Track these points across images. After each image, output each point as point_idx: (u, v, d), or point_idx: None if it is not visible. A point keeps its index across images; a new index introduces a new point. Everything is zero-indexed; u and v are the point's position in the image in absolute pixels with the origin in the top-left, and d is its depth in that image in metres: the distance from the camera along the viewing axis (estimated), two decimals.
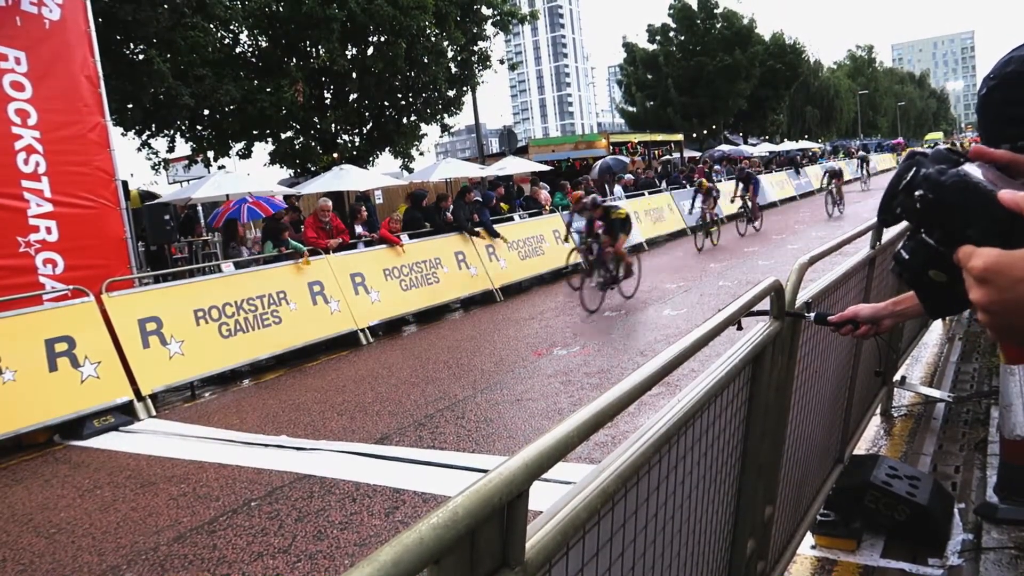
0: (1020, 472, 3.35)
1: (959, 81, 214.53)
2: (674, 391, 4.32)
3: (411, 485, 4.69)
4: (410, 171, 21.28)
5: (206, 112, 16.96)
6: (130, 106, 14.92)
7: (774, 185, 27.56)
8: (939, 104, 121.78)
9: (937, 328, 6.96)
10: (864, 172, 33.79)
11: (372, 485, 4.77)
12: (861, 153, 38.49)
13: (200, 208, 19.91)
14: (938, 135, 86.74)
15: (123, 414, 7.22)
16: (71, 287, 7.59)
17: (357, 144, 19.70)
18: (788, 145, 44.54)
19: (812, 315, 2.12)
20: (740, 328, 1.95)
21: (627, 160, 26.09)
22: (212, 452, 5.91)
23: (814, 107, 59.77)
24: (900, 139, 69.69)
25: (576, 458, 4.43)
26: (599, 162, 23.91)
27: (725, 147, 36.70)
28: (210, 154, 18.21)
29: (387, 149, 20.25)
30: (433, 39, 18.67)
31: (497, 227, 13.14)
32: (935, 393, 5.16)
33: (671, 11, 44.43)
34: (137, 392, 7.40)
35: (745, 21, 43.48)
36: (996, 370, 5.44)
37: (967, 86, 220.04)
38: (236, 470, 5.38)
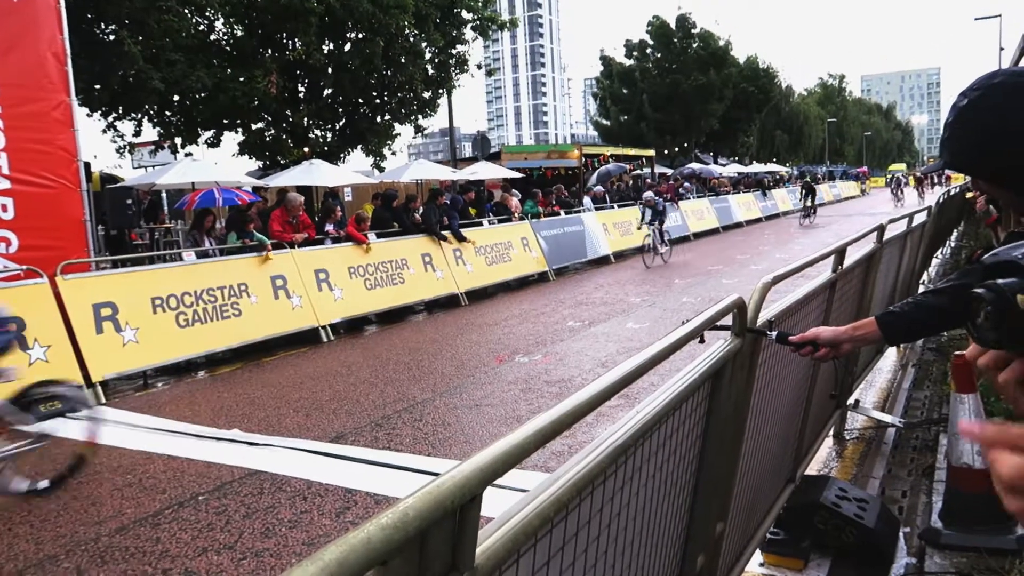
0: (965, 499, 3.42)
1: (924, 115, 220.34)
2: (632, 403, 4.33)
3: (364, 486, 4.64)
4: (381, 170, 21.15)
5: (176, 98, 16.67)
6: (97, 87, 14.61)
7: (741, 206, 27.97)
8: (904, 136, 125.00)
9: (891, 354, 7.10)
10: (809, 203, 27.95)
11: (324, 484, 4.70)
12: (806, 181, 32.93)
13: (164, 195, 19.58)
14: (901, 166, 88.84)
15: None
16: (24, 267, 7.39)
17: (329, 140, 19.53)
18: (757, 167, 45.25)
19: (774, 334, 2.14)
20: (702, 341, 1.96)
21: (626, 167, 26.59)
22: (161, 443, 5.77)
23: (784, 131, 60.83)
24: (865, 168, 71.29)
25: (532, 466, 4.42)
26: (600, 169, 24.20)
27: (695, 165, 37.14)
28: (177, 141, 17.90)
29: (359, 147, 20.11)
30: (412, 39, 18.61)
31: (465, 232, 13.12)
32: (887, 418, 5.26)
33: (649, 28, 44.94)
34: (87, 378, 7.22)
35: (721, 43, 44.15)
36: (946, 398, 5.57)
37: (931, 120, 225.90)
38: (185, 463, 5.26)
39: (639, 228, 16.74)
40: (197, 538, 4.03)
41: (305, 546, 3.89)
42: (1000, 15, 34.77)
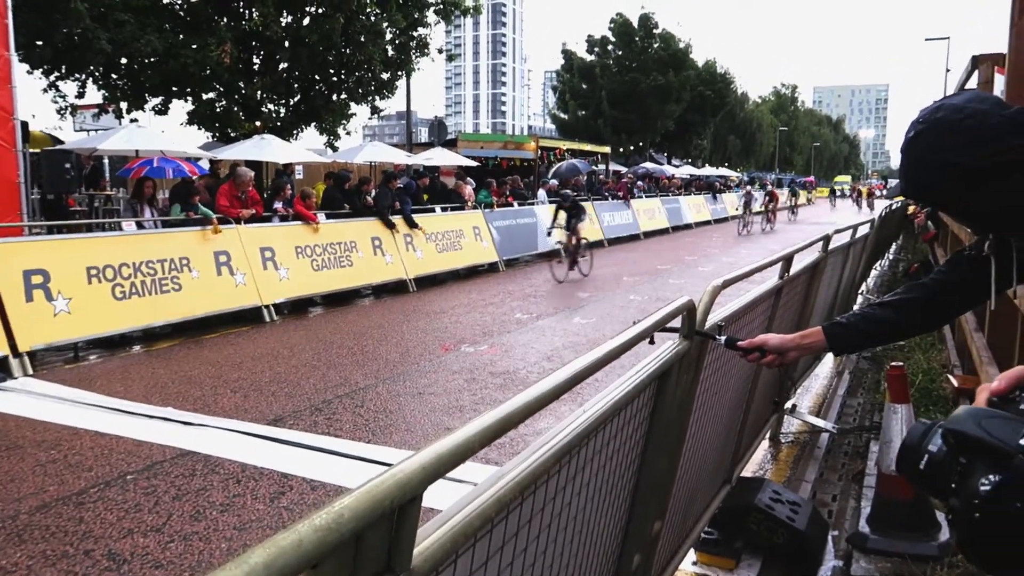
0: (892, 506, 3.52)
1: (871, 130, 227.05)
2: (576, 398, 4.34)
3: (301, 471, 4.55)
4: (335, 149, 20.78)
5: (123, 61, 16.03)
6: (39, 43, 13.97)
7: (691, 208, 28.38)
8: (851, 149, 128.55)
9: (828, 361, 7.28)
10: (747, 211, 26.36)
11: (259, 468, 4.60)
12: (748, 189, 31.28)
13: (107, 161, 18.89)
14: (847, 178, 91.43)
15: None
16: None
17: (282, 115, 19.08)
18: (709, 171, 45.96)
19: (723, 338, 2.16)
20: (653, 342, 1.96)
21: (591, 166, 26.90)
22: (90, 419, 5.57)
23: (737, 137, 61.92)
24: (812, 177, 73.14)
25: (472, 457, 4.39)
26: (564, 163, 24.23)
27: (649, 165, 37.52)
28: (123, 105, 17.23)
29: (313, 124, 19.69)
30: (373, 18, 18.29)
31: (418, 218, 12.99)
32: (821, 423, 5.39)
33: (612, 25, 45.17)
34: (14, 348, 6.92)
35: (681, 45, 44.64)
36: (879, 406, 5.74)
37: (878, 135, 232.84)
38: (114, 440, 5.09)
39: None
40: (123, 519, 3.90)
41: (236, 531, 3.79)
42: (948, 37, 35.95)
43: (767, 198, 27.89)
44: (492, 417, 1.08)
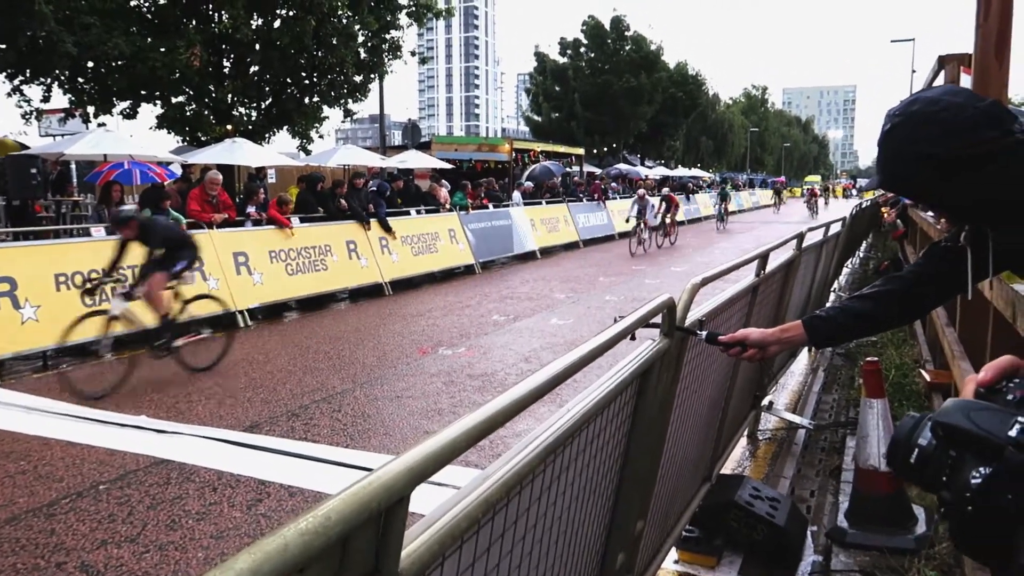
0: (870, 500, 3.56)
1: (839, 130, 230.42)
2: (554, 399, 4.34)
3: (278, 477, 4.49)
4: (307, 153, 20.60)
5: (90, 64, 15.75)
6: (3, 46, 13.69)
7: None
8: (820, 149, 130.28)
9: (803, 358, 7.35)
10: (722, 210, 28.52)
11: (236, 475, 4.53)
12: (721, 189, 32.04)
13: (74, 166, 18.57)
14: (816, 178, 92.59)
15: None
16: None
17: (254, 119, 18.87)
18: (682, 171, 46.33)
19: (704, 334, 2.16)
20: (634, 339, 1.96)
21: (565, 168, 26.78)
22: (60, 428, 5.45)
23: (709, 138, 62.47)
24: (783, 177, 73.99)
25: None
26: (538, 165, 24.20)
27: (623, 166, 37.72)
28: (90, 110, 16.93)
29: (285, 128, 19.51)
30: (345, 21, 18.16)
31: (392, 220, 12.93)
32: (798, 420, 5.44)
33: (584, 27, 45.36)
34: None
35: (653, 47, 44.94)
36: (854, 402, 5.81)
37: (846, 135, 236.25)
38: (85, 450, 4.99)
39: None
40: (96, 530, 3.82)
41: (213, 539, 3.73)
42: (914, 39, 36.58)
43: (663, 204, 20.83)
44: (477, 417, 1.06)
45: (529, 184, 21.78)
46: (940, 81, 6.73)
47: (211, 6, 16.72)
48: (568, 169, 28.17)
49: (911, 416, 0.99)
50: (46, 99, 16.40)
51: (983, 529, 0.88)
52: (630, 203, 20.08)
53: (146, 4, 17.05)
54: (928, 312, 2.65)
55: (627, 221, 18.94)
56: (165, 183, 12.83)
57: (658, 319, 2.18)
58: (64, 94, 16.44)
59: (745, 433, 4.98)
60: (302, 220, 11.41)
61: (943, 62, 6.43)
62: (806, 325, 1.90)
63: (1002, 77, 4.19)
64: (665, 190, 23.00)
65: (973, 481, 0.88)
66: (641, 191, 20.13)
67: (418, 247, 13.48)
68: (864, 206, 13.40)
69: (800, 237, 4.90)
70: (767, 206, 47.24)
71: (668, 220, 20.76)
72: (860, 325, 1.87)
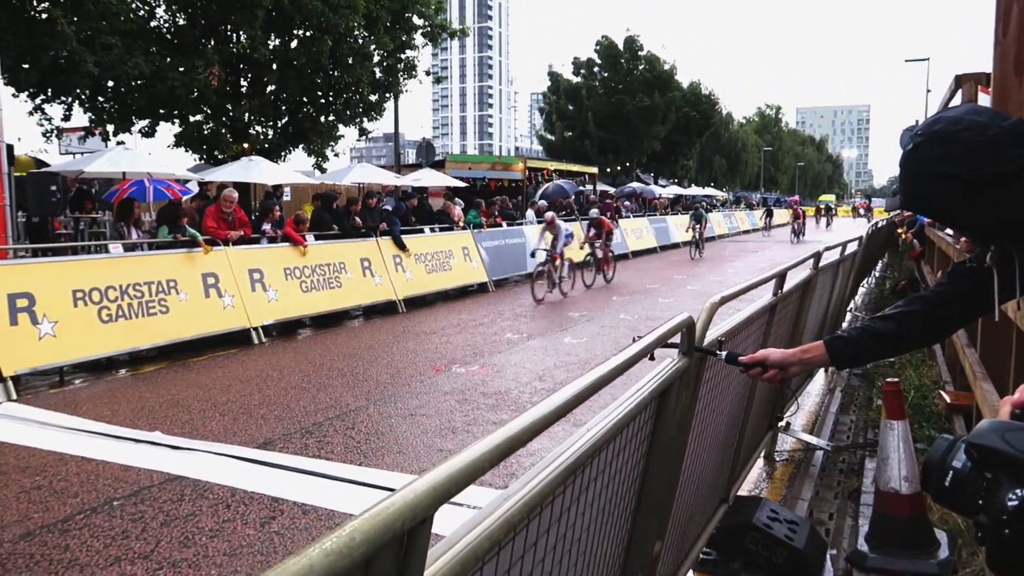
0: (891, 523, 3.50)
1: (854, 150, 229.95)
2: (570, 418, 4.30)
3: (291, 495, 4.48)
4: (323, 171, 20.77)
5: (110, 83, 16.00)
6: (26, 65, 13.91)
7: (678, 227, 28.51)
8: (834, 168, 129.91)
9: (820, 378, 7.28)
10: (697, 234, 23.51)
11: (249, 492, 4.52)
12: (695, 210, 25.51)
13: (94, 183, 18.76)
14: (831, 197, 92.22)
15: None
16: None
17: (270, 137, 19.07)
18: (695, 190, 46.29)
19: (724, 354, 2.14)
20: (653, 359, 1.94)
21: (579, 187, 26.64)
22: (76, 444, 5.47)
23: (722, 157, 62.50)
24: (797, 196, 73.77)
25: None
26: (551, 184, 24.20)
27: (636, 185, 37.75)
28: (110, 128, 17.17)
29: (301, 146, 19.69)
30: (361, 41, 18.36)
31: (406, 238, 12.98)
32: (815, 440, 5.37)
33: (597, 47, 45.63)
34: None
35: (666, 67, 45.12)
36: (871, 423, 5.74)
37: (860, 155, 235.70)
38: (100, 465, 5.00)
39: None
40: (110, 546, 3.82)
41: (226, 557, 3.72)
42: (928, 58, 36.51)
43: (591, 231, 15.97)
44: (501, 436, 1.05)
45: (543, 203, 21.82)
46: (957, 101, 6.69)
47: (229, 26, 16.96)
48: (581, 188, 28.15)
49: (944, 438, 0.97)
50: (67, 117, 16.65)
51: (1020, 552, 0.86)
52: (537, 230, 15.67)
53: (166, 24, 17.32)
54: (952, 333, 2.61)
55: (532, 256, 14.35)
56: (181, 200, 12.93)
57: (676, 338, 2.16)
58: (84, 113, 16.68)
59: (762, 454, 4.92)
60: (317, 237, 11.48)
61: (960, 81, 6.39)
62: (828, 346, 1.88)
63: (1022, 95, 4.16)
64: (594, 212, 17.31)
65: (1010, 503, 0.86)
66: (550, 214, 14.59)
67: (432, 265, 13.51)
68: (880, 225, 13.31)
69: (817, 256, 4.87)
70: (783, 224, 45.93)
71: (600, 251, 15.70)
72: (883, 346, 1.84)
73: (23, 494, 4.51)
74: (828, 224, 48.18)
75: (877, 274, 16.22)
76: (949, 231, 6.54)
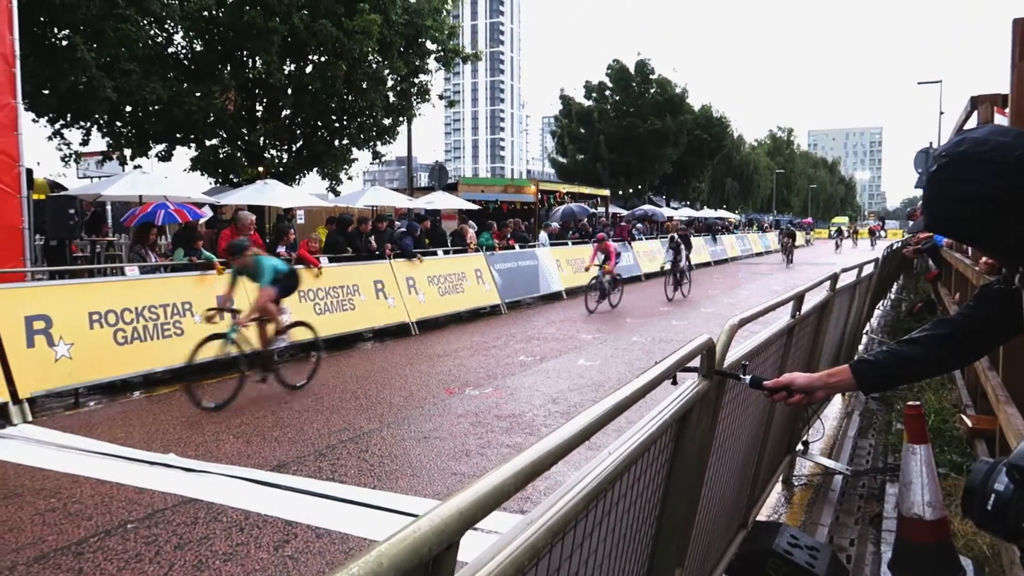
0: (915, 550, 3.43)
1: (866, 172, 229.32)
2: (590, 443, 4.27)
3: (305, 518, 4.45)
4: (337, 194, 20.94)
5: (128, 109, 16.26)
6: (46, 91, 14.16)
7: (695, 249, 28.48)
8: (847, 191, 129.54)
9: (837, 402, 7.19)
10: (684, 262, 17.61)
11: (263, 515, 4.50)
12: (675, 235, 18.33)
13: (109, 207, 19.00)
14: (843, 219, 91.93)
15: None
16: None
17: (284, 160, 19.27)
18: (707, 212, 46.25)
19: (747, 378, 2.11)
20: (675, 383, 1.92)
21: (590, 210, 26.62)
22: (90, 466, 5.47)
23: (734, 179, 62.53)
24: (809, 219, 73.60)
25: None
26: (563, 207, 24.22)
27: (648, 207, 37.77)
28: (127, 152, 17.41)
29: (315, 169, 19.88)
30: (375, 66, 18.58)
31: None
32: (834, 465, 5.30)
33: (609, 71, 45.93)
34: (14, 394, 6.84)
35: (678, 90, 45.32)
36: (891, 447, 5.65)
37: (873, 177, 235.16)
38: (114, 488, 4.99)
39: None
40: (123, 569, 3.80)
41: None
42: (941, 81, 36.49)
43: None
44: (525, 459, 1.04)
45: (556, 224, 21.85)
46: (972, 121, 6.66)
47: (245, 52, 17.21)
48: (594, 211, 28.18)
49: (984, 461, 0.95)
50: (85, 142, 16.92)
51: None
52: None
53: (183, 51, 17.60)
54: (980, 357, 2.58)
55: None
56: (198, 223, 13.03)
57: (695, 361, 2.14)
58: (102, 137, 16.94)
59: (780, 478, 4.86)
60: (331, 260, 11.52)
61: (976, 102, 6.38)
62: (854, 370, 1.85)
63: None
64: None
65: None
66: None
67: (444, 287, 13.52)
68: (895, 247, 13.22)
69: (834, 278, 4.83)
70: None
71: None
72: (909, 370, 1.81)
73: (37, 516, 4.51)
74: (837, 247, 47.53)
75: (893, 296, 16.09)
76: (961, 254, 6.48)
